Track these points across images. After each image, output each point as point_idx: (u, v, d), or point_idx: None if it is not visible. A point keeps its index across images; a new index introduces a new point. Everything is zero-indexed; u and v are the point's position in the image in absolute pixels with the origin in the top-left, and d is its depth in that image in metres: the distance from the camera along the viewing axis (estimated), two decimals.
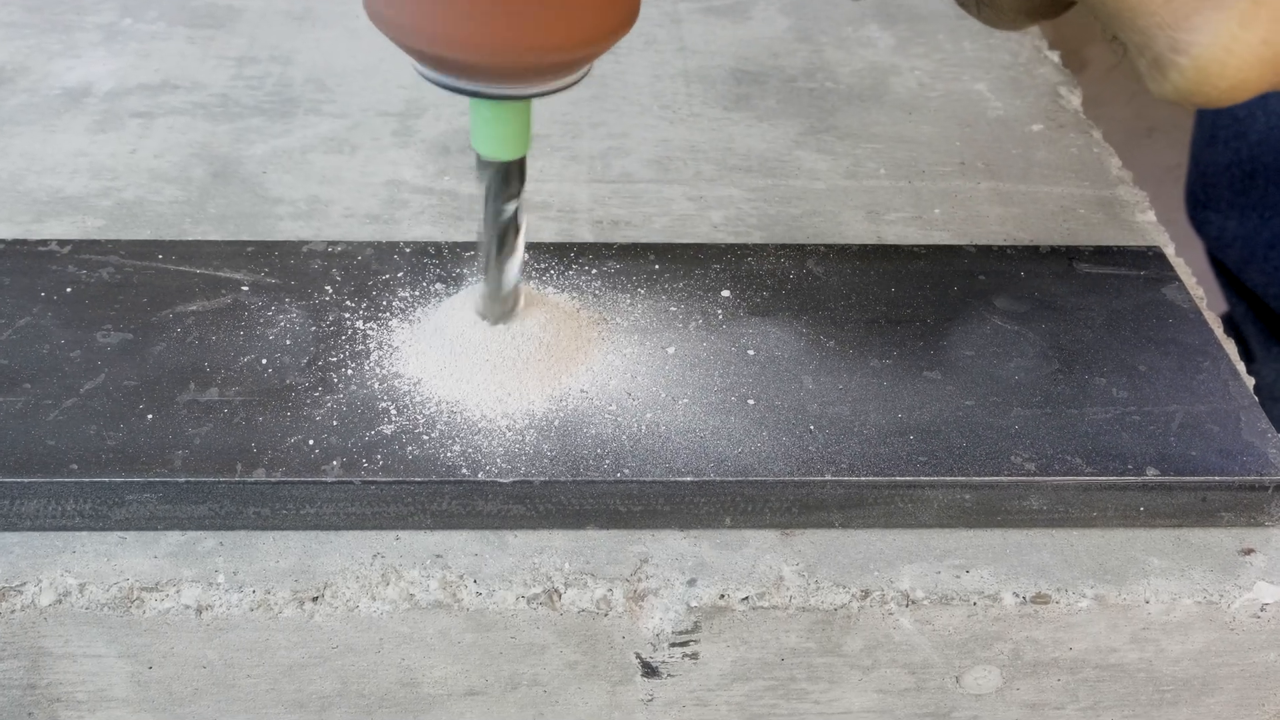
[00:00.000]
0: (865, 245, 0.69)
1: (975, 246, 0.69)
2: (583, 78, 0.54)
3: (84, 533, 0.55)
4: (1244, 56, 0.41)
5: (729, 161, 0.81)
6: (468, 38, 0.49)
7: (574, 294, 0.64)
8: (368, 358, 0.60)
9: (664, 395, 0.59)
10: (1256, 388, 0.62)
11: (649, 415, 0.58)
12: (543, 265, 0.65)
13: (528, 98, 0.53)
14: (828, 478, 0.55)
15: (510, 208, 0.57)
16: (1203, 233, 1.20)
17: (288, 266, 0.65)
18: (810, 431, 0.57)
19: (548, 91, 0.53)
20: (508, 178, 0.56)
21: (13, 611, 0.53)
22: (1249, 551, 0.56)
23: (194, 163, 0.78)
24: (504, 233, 0.57)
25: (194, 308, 0.62)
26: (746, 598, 0.54)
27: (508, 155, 0.55)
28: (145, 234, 0.71)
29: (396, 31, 0.51)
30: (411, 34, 0.50)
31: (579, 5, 0.49)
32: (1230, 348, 0.64)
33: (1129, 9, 0.42)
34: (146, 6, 0.95)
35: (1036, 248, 0.69)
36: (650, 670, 0.55)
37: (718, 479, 0.55)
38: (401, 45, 0.51)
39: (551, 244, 0.67)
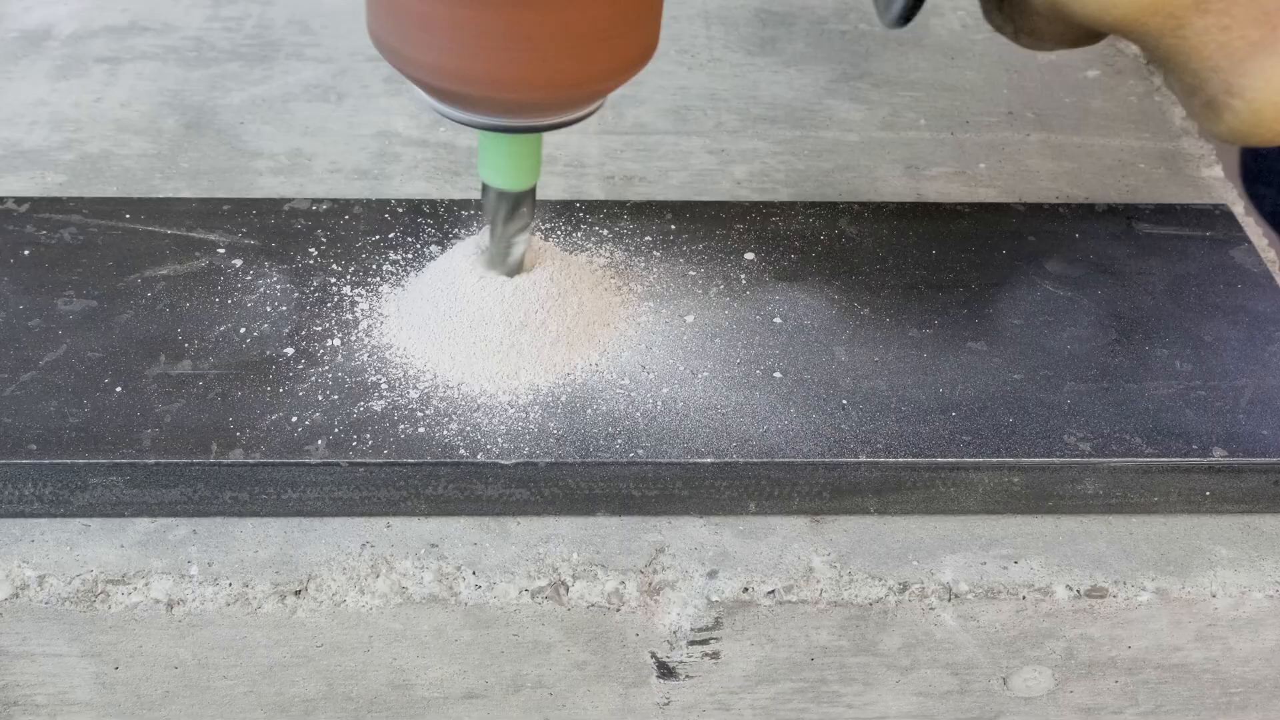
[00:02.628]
0: (903, 203, 0.68)
1: (1024, 205, 0.69)
2: (598, 108, 0.55)
3: (43, 520, 0.55)
4: None
5: (753, 111, 0.80)
6: (482, 73, 0.50)
7: (581, 258, 0.63)
8: (356, 327, 0.59)
9: (682, 368, 0.58)
10: None
11: (665, 390, 0.57)
12: (548, 225, 0.65)
13: (540, 130, 0.54)
14: (862, 459, 0.55)
15: (520, 242, 0.58)
16: (1259, 208, 1.20)
17: (268, 226, 0.64)
18: (843, 408, 0.57)
19: (562, 124, 0.54)
20: (516, 207, 0.57)
21: None
22: None
23: (165, 112, 0.78)
24: (511, 256, 0.58)
25: (164, 272, 0.61)
26: (773, 591, 0.54)
27: (517, 186, 0.57)
28: (111, 191, 0.71)
29: (403, 64, 0.52)
30: (419, 68, 0.52)
31: (593, 41, 0.50)
32: None
33: (1183, 54, 0.45)
34: None
35: (1092, 206, 0.69)
36: (667, 671, 0.55)
37: (741, 460, 0.55)
38: (409, 78, 0.53)
39: (558, 202, 0.67)
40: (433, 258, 0.62)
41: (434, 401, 0.56)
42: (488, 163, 0.56)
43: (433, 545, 0.55)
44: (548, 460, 0.54)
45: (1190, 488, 0.56)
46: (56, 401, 0.55)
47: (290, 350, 0.58)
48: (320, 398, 0.56)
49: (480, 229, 0.63)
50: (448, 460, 0.54)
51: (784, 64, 0.85)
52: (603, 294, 0.61)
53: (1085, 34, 0.50)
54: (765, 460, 0.55)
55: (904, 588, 0.54)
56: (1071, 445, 0.56)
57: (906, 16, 0.53)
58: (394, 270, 0.62)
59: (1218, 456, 0.56)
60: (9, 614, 0.53)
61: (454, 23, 0.49)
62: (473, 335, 0.58)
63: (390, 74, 0.81)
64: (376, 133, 0.77)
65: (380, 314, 0.60)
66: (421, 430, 0.55)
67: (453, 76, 0.51)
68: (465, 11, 0.49)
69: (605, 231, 0.65)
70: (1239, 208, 0.71)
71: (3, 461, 0.53)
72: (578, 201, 0.67)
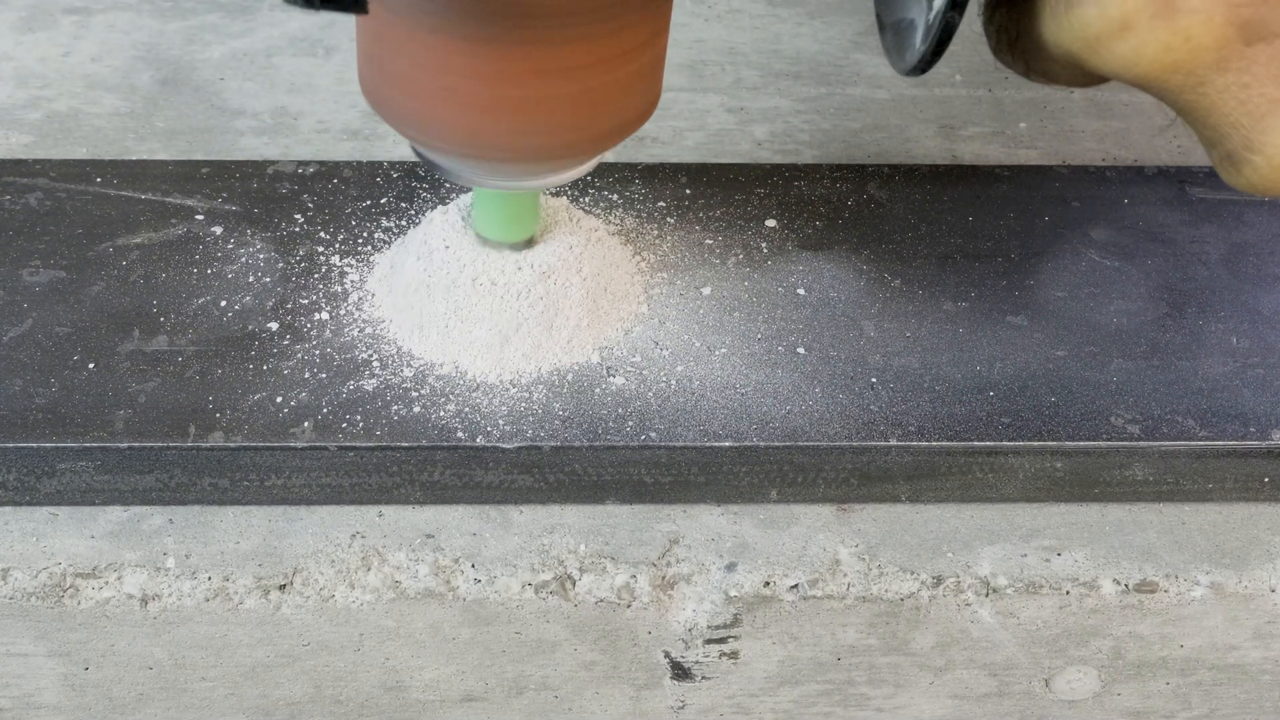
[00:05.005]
0: (937, 166, 0.68)
1: (1068, 167, 0.68)
2: (595, 165, 0.56)
3: (7, 509, 0.54)
4: None
5: (774, 66, 0.80)
6: (477, 136, 0.51)
7: (590, 223, 0.63)
8: (345, 300, 0.59)
9: (698, 344, 0.58)
10: None
11: (680, 368, 0.57)
12: (553, 190, 0.65)
13: (535, 189, 0.56)
14: (892, 443, 0.55)
15: None
16: None
17: (250, 191, 0.64)
18: (872, 387, 0.57)
19: (556, 183, 0.55)
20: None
21: None
22: None
23: (138, 67, 0.77)
24: None
25: (138, 240, 0.61)
26: (796, 585, 0.54)
27: (513, 237, 0.58)
28: (80, 152, 0.71)
29: (395, 122, 0.53)
30: (410, 126, 0.52)
31: (588, 104, 0.51)
32: None
33: (1203, 109, 0.47)
34: None
35: (1141, 169, 0.68)
36: (681, 672, 0.55)
37: (761, 444, 0.55)
38: (401, 133, 0.54)
39: None
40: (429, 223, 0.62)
41: (429, 381, 0.56)
42: (482, 217, 0.58)
43: (428, 536, 0.55)
44: (553, 444, 0.54)
45: (1247, 473, 0.56)
46: (21, 380, 0.55)
47: (274, 325, 0.58)
48: (307, 376, 0.56)
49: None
50: (444, 444, 0.54)
51: (808, 15, 0.84)
52: (612, 264, 0.60)
53: (1101, 78, 0.51)
54: (788, 444, 0.55)
55: (938, 582, 0.54)
56: (1119, 428, 0.56)
57: (924, 66, 0.53)
58: (386, 238, 0.62)
59: (1277, 440, 0.56)
60: None
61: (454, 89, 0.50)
62: (472, 309, 0.57)
63: None
64: None
65: (372, 286, 0.60)
66: (416, 411, 0.55)
67: (451, 138, 0.52)
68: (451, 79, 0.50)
69: (615, 197, 0.65)
70: None
71: None
72: None
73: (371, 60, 0.52)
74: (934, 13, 0.51)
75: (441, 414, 0.55)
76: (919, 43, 0.52)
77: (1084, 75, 0.50)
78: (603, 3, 0.49)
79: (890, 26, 0.56)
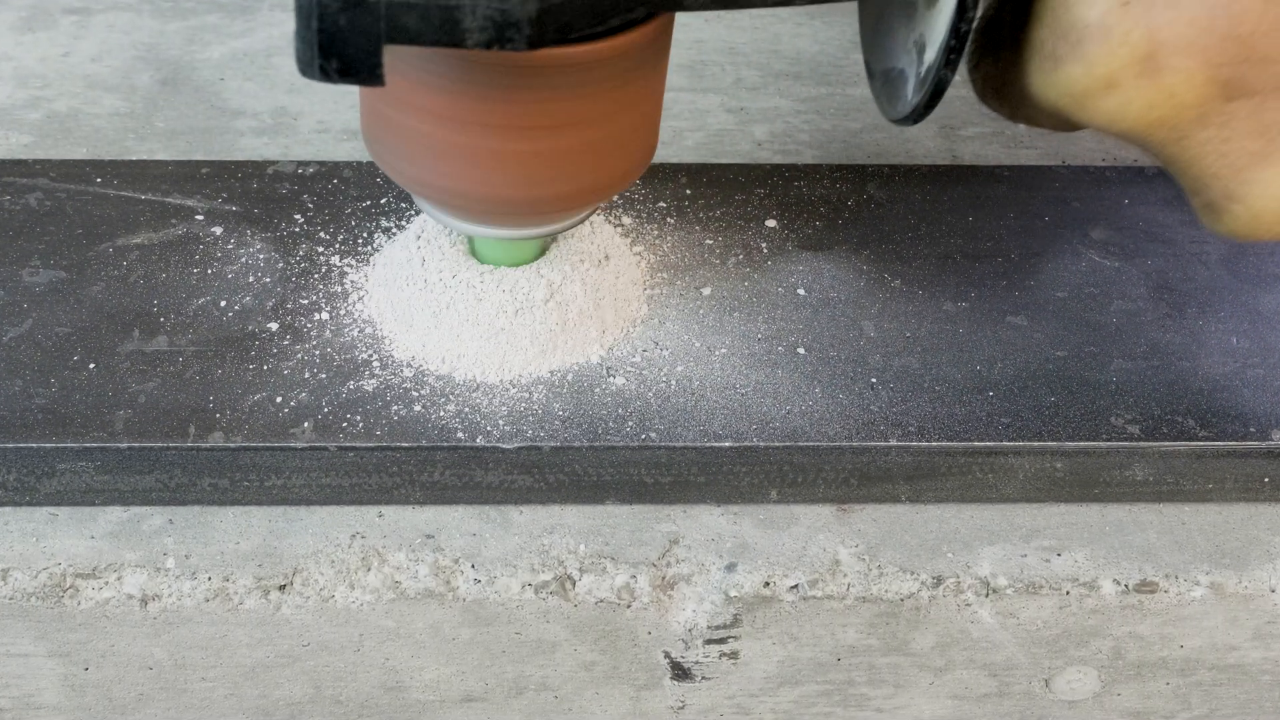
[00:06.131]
0: (937, 166, 0.68)
1: (1068, 167, 0.68)
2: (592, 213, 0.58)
3: (7, 509, 0.54)
4: None
5: (774, 66, 0.80)
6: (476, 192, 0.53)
7: (590, 223, 0.63)
8: (345, 300, 0.59)
9: (698, 344, 0.58)
10: None
11: (680, 368, 0.57)
12: None
13: (533, 238, 0.57)
14: (892, 443, 0.55)
15: None
16: None
17: (250, 191, 0.64)
18: (872, 387, 0.57)
19: (552, 233, 0.57)
20: None
21: None
22: None
23: (138, 68, 0.77)
24: None
25: (138, 240, 0.61)
26: (796, 586, 0.54)
27: (513, 264, 0.58)
28: (80, 153, 0.71)
29: (399, 178, 0.54)
30: (412, 183, 0.54)
31: (581, 161, 0.53)
32: None
33: (1185, 161, 0.49)
34: None
35: (1141, 169, 0.68)
36: (681, 672, 0.55)
37: (761, 444, 0.55)
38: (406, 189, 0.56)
39: None
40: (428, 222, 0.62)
41: (429, 381, 0.56)
42: (484, 249, 0.58)
43: (428, 536, 0.54)
44: (553, 444, 0.54)
45: (1247, 474, 0.56)
46: (21, 381, 0.55)
47: (274, 325, 0.58)
48: (307, 376, 0.56)
49: None
50: (444, 444, 0.54)
51: (808, 15, 0.84)
52: (612, 264, 0.60)
53: (1083, 125, 0.52)
54: (788, 444, 0.55)
55: (938, 582, 0.54)
56: (1119, 428, 0.56)
57: (916, 118, 0.53)
58: (386, 238, 0.62)
59: (1277, 440, 0.56)
60: None
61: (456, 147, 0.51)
62: (472, 310, 0.57)
63: None
64: None
65: (371, 286, 0.60)
66: (416, 411, 0.55)
67: (450, 196, 0.54)
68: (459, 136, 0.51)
69: (615, 196, 0.65)
70: None
71: None
72: None
73: (374, 114, 0.54)
74: (925, 67, 0.51)
75: (441, 414, 0.55)
76: (910, 94, 0.53)
77: (1068, 123, 0.51)
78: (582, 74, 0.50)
79: (880, 74, 0.56)
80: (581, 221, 0.56)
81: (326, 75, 0.43)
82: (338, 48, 0.43)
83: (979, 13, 0.48)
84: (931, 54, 0.50)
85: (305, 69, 0.43)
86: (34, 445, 0.53)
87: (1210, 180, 0.49)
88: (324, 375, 0.56)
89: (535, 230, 0.55)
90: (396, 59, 0.49)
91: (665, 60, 0.53)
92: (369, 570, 0.53)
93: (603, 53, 0.49)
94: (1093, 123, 0.49)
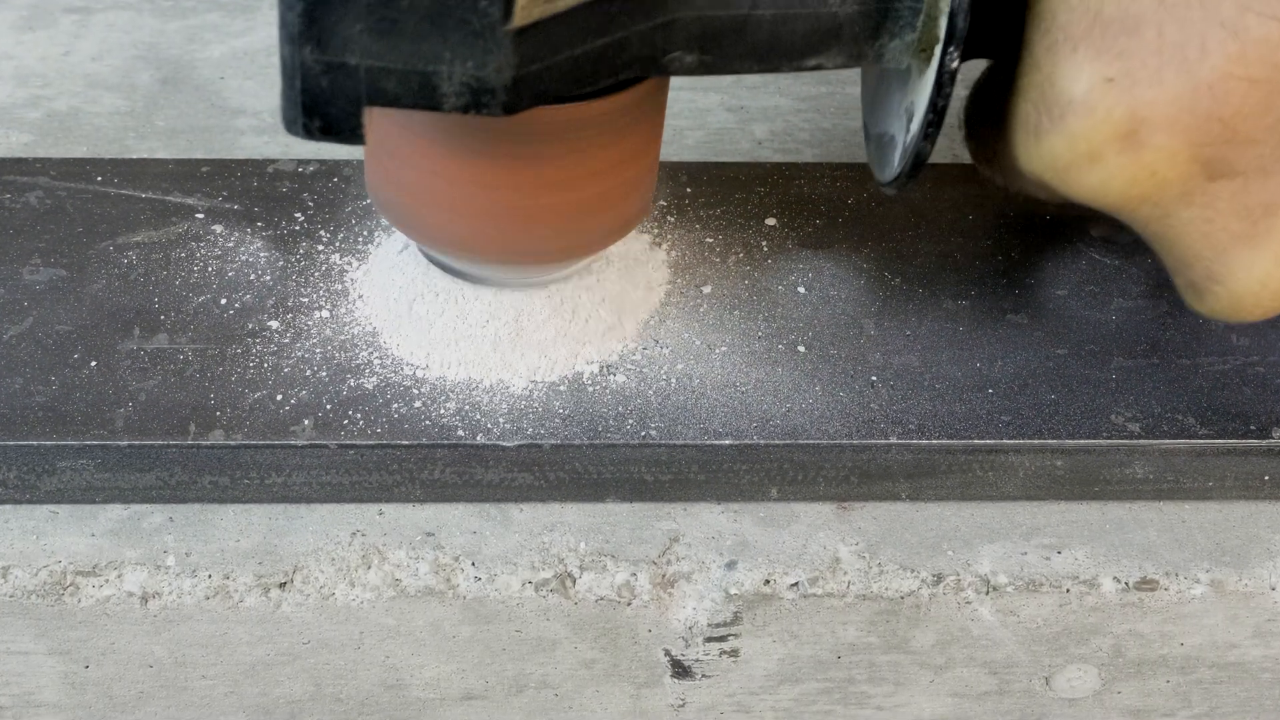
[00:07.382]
0: (938, 164, 0.68)
1: None
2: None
3: (8, 506, 0.54)
4: (1277, 290, 0.49)
5: None
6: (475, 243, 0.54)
7: None
8: (345, 298, 0.59)
9: (698, 343, 0.58)
10: None
11: (680, 366, 0.57)
12: None
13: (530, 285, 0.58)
14: (893, 440, 0.55)
15: None
16: None
17: (250, 189, 0.64)
18: (872, 385, 0.57)
19: (550, 280, 0.58)
20: None
21: None
22: None
23: (139, 66, 0.77)
24: None
25: (139, 238, 0.61)
26: (796, 584, 0.54)
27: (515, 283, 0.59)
28: (80, 151, 0.71)
29: (400, 225, 0.56)
30: (415, 231, 0.56)
31: (577, 218, 0.54)
32: None
33: (1169, 239, 0.49)
34: None
35: None
36: (682, 670, 0.55)
37: (762, 442, 0.55)
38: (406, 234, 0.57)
39: None
40: None
41: (430, 378, 0.56)
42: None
43: (429, 534, 0.54)
44: (553, 442, 0.54)
45: (1248, 471, 0.56)
46: (22, 378, 0.55)
47: (275, 323, 0.58)
48: (307, 374, 0.56)
49: None
50: (445, 442, 0.54)
51: None
52: (612, 262, 0.60)
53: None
54: (788, 442, 0.55)
55: (938, 580, 0.54)
56: (1119, 426, 0.56)
57: (900, 185, 0.53)
58: (386, 236, 0.62)
59: (1277, 438, 0.56)
60: None
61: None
62: (472, 308, 0.57)
63: None
64: None
65: (372, 284, 0.60)
66: (417, 409, 0.55)
67: (452, 244, 0.55)
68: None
69: None
70: None
71: None
72: None
73: (376, 162, 0.54)
74: (910, 136, 0.51)
75: (442, 412, 0.55)
76: (896, 161, 0.53)
77: (1057, 195, 0.51)
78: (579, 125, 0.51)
79: (874, 138, 0.57)
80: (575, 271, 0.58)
81: (309, 134, 0.44)
82: (320, 108, 0.44)
83: (953, 89, 0.49)
84: (917, 123, 0.51)
85: (290, 126, 0.44)
86: (34, 443, 0.53)
87: (1193, 260, 0.49)
88: (324, 373, 0.56)
89: (520, 277, 0.57)
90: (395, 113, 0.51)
91: (660, 120, 0.54)
92: (369, 568, 0.53)
93: (587, 113, 0.50)
94: (1078, 195, 0.49)
